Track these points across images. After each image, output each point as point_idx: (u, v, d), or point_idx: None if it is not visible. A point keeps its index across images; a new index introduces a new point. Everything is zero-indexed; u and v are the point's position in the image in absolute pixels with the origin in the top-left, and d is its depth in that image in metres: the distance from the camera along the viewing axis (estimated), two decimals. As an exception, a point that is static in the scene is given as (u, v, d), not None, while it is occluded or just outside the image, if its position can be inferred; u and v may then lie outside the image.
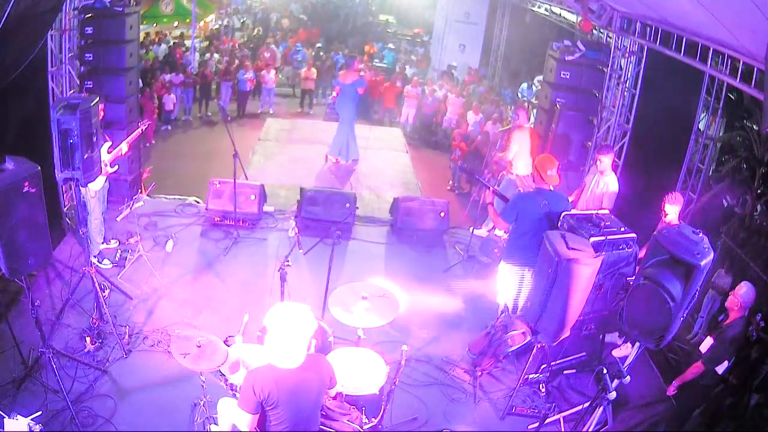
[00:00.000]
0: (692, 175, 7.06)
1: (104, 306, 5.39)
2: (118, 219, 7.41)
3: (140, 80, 9.51)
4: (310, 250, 5.54)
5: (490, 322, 5.62)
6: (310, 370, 3.17)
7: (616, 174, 6.39)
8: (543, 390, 5.33)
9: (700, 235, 3.65)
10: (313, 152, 10.43)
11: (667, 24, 6.65)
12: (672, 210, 5.43)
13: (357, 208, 7.74)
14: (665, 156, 7.46)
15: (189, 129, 13.12)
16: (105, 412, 4.60)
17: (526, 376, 5.12)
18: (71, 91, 7.28)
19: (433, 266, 7.32)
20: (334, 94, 10.17)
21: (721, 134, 7.99)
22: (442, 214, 7.91)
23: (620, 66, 8.02)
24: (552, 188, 5.48)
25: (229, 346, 4.00)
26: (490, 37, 16.79)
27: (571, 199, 6.22)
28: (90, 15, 7.22)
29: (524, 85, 14.58)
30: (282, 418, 3.11)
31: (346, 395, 3.94)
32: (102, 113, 5.20)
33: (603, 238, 4.78)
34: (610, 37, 8.23)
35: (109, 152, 6.15)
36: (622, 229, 5.02)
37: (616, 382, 4.21)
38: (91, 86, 7.33)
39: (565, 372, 5.56)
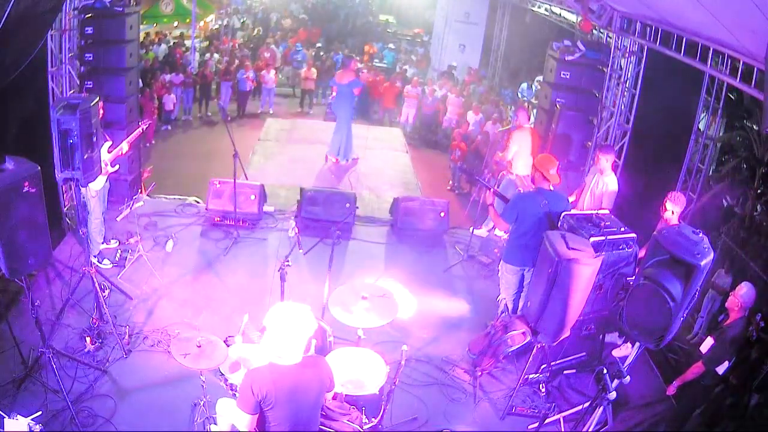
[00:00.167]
0: (692, 175, 7.06)
1: (104, 306, 5.39)
2: (118, 219, 7.41)
3: (140, 80, 9.51)
4: (310, 250, 5.54)
5: (490, 322, 5.62)
6: (309, 371, 3.17)
7: (616, 174, 6.39)
8: (543, 390, 5.33)
9: (700, 235, 3.65)
10: (313, 152, 10.43)
11: (667, 24, 6.65)
12: (673, 209, 5.40)
13: (357, 208, 7.74)
14: (665, 156, 7.46)
15: (189, 129, 13.12)
16: (105, 412, 4.60)
17: (526, 376, 5.12)
18: (71, 91, 7.28)
19: (433, 266, 7.32)
20: (334, 94, 10.17)
21: (721, 134, 8.00)
22: (442, 214, 7.91)
23: (620, 66, 8.02)
24: (552, 188, 5.48)
25: (229, 346, 4.01)
26: (490, 37, 16.80)
27: (571, 199, 6.22)
28: (90, 15, 7.22)
29: (524, 85, 14.59)
30: (281, 419, 3.11)
31: (346, 395, 3.94)
32: (101, 111, 5.20)
33: (603, 238, 4.77)
34: (610, 37, 8.23)
35: (109, 152, 6.15)
36: (622, 229, 5.02)
37: (616, 382, 4.21)
38: (91, 86, 7.33)
39: (565, 372, 5.56)
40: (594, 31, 8.91)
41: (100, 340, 5.27)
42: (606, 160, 6.13)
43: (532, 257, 5.09)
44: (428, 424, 4.92)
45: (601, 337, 5.60)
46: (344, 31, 21.05)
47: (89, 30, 7.23)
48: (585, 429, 4.52)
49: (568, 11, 10.56)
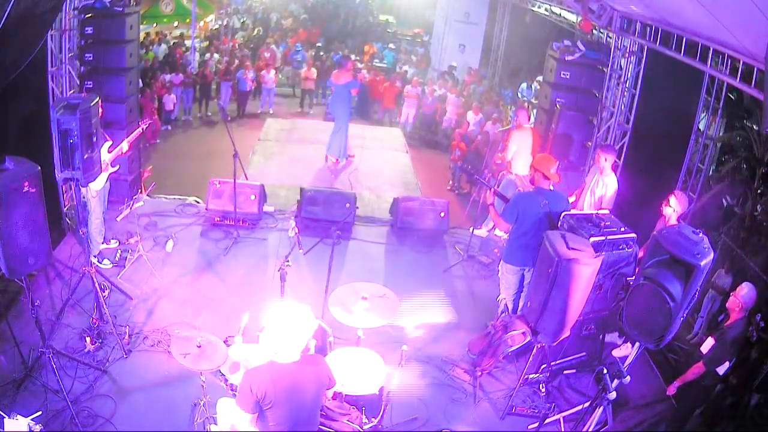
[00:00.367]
0: (692, 175, 7.06)
1: (104, 306, 5.39)
2: (118, 219, 7.41)
3: (140, 80, 9.51)
4: (310, 250, 5.54)
5: (490, 322, 5.62)
6: (307, 369, 3.17)
7: (616, 174, 6.39)
8: (543, 390, 5.33)
9: (700, 235, 3.65)
10: (312, 152, 10.42)
11: (667, 24, 6.65)
12: (675, 207, 5.38)
13: (357, 208, 7.74)
14: (665, 156, 7.46)
15: (189, 129, 13.13)
16: (105, 412, 4.60)
17: (526, 376, 5.12)
18: (71, 91, 7.28)
19: (433, 266, 7.32)
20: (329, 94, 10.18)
21: (721, 134, 7.99)
22: (442, 214, 7.91)
23: (620, 66, 8.01)
24: (552, 188, 5.48)
25: (229, 346, 4.01)
26: (490, 37, 16.79)
27: (571, 199, 6.22)
28: (90, 15, 7.22)
29: (524, 85, 14.58)
30: (280, 418, 3.11)
31: (346, 395, 3.94)
32: (101, 110, 5.21)
33: (603, 238, 4.78)
34: (610, 37, 8.23)
35: (109, 152, 6.15)
36: (622, 229, 5.02)
37: (616, 382, 4.21)
38: (91, 86, 7.32)
39: (565, 372, 5.56)
40: (594, 31, 8.91)
41: (100, 340, 5.27)
42: (605, 160, 6.13)
43: (532, 257, 5.09)
44: (428, 424, 4.92)
45: (601, 337, 5.60)
46: (344, 31, 21.05)
47: (89, 30, 7.23)
48: (585, 429, 4.51)
49: (568, 11, 10.56)
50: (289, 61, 16.64)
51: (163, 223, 7.54)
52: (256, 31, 19.72)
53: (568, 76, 8.16)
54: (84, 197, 5.82)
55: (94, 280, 5.28)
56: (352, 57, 15.53)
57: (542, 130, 8.42)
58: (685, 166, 7.17)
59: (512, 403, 5.09)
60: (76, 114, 4.49)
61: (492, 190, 5.94)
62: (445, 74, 15.80)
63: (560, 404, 5.26)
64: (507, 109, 13.11)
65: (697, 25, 6.00)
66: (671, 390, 5.05)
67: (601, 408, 4.36)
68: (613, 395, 4.18)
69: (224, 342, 4.00)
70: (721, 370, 4.71)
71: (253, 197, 7.60)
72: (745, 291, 4.72)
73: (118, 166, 6.49)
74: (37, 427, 3.69)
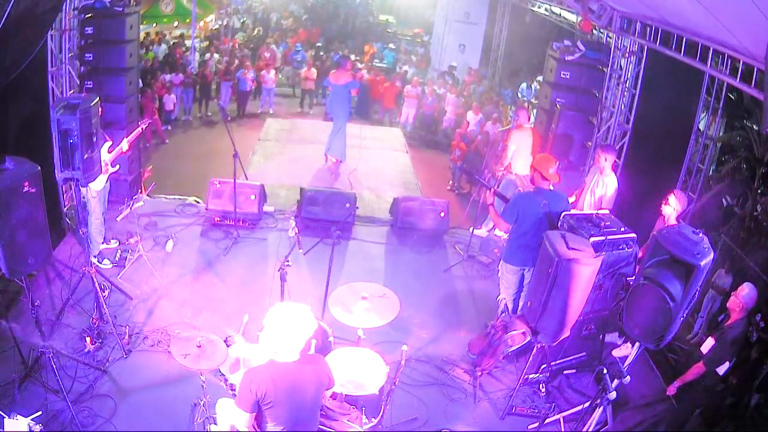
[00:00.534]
0: (692, 175, 7.06)
1: (104, 306, 5.39)
2: (118, 219, 7.41)
3: (140, 80, 9.51)
4: (310, 250, 5.54)
5: (490, 322, 5.62)
6: (307, 369, 3.17)
7: (616, 174, 6.39)
8: (543, 390, 5.33)
9: (700, 235, 3.65)
10: (312, 152, 10.43)
11: (667, 24, 6.65)
12: (675, 206, 5.38)
13: (357, 208, 7.75)
14: (665, 156, 7.46)
15: (189, 129, 13.13)
16: (105, 412, 4.60)
17: (526, 376, 5.12)
18: (71, 91, 7.28)
19: (433, 266, 7.32)
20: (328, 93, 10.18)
21: (721, 134, 8.00)
22: (442, 214, 7.91)
23: (620, 66, 8.01)
24: (552, 188, 5.48)
25: (229, 346, 4.01)
26: (490, 37, 16.80)
27: (571, 199, 6.22)
28: (90, 15, 7.22)
29: (524, 85, 14.59)
30: (280, 418, 3.11)
31: (346, 395, 3.94)
32: (101, 110, 5.22)
33: (603, 238, 4.77)
34: (610, 37, 8.23)
35: (109, 152, 6.15)
36: (622, 229, 5.02)
37: (616, 382, 4.22)
38: (91, 86, 7.32)
39: (565, 372, 5.56)
40: (594, 31, 8.91)
41: (100, 340, 5.27)
42: (605, 160, 6.13)
43: (532, 257, 5.10)
44: (428, 424, 4.91)
45: (601, 337, 5.60)
46: (344, 31, 21.05)
47: (89, 30, 7.23)
48: (585, 429, 4.52)
49: (568, 11, 10.56)
50: (289, 61, 16.64)
51: (163, 223, 7.54)
52: (256, 31, 19.72)
53: (568, 76, 8.17)
54: (84, 197, 5.82)
55: (94, 280, 5.27)
56: (352, 57, 15.54)
57: (542, 130, 8.42)
58: (685, 166, 7.18)
59: (512, 403, 5.09)
60: (76, 114, 4.49)
61: (492, 190, 5.94)
62: (445, 74, 15.81)
63: (560, 404, 5.26)
64: (507, 109, 13.11)
65: (697, 25, 6.00)
66: (671, 390, 5.05)
67: (601, 408, 4.37)
68: (613, 395, 4.18)
69: (224, 342, 4.00)
70: (721, 370, 4.71)
71: (253, 197, 7.60)
72: (746, 291, 4.72)
73: (118, 167, 6.49)
74: (37, 427, 3.69)
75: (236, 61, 14.29)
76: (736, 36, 5.33)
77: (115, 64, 7.48)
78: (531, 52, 14.51)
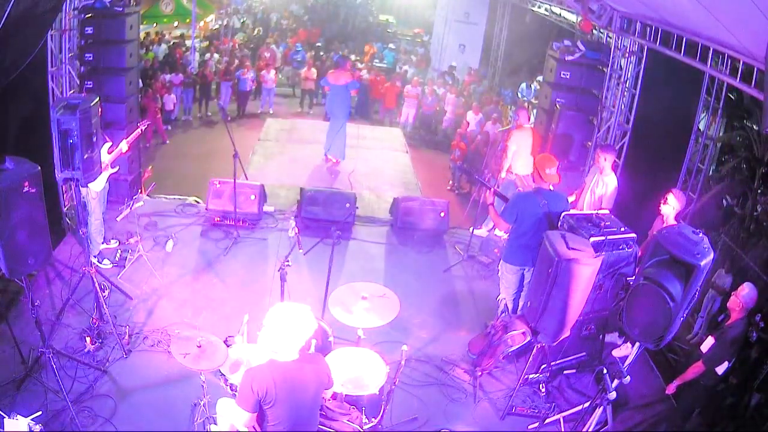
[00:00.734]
0: (692, 175, 7.06)
1: (104, 306, 5.39)
2: (118, 219, 7.41)
3: (140, 80, 9.51)
4: (310, 250, 5.54)
5: (490, 322, 5.62)
6: (307, 368, 3.17)
7: (616, 174, 6.39)
8: (543, 390, 5.33)
9: (700, 235, 3.65)
10: (312, 152, 10.43)
11: (667, 24, 6.65)
12: (674, 204, 5.38)
13: (357, 208, 7.75)
14: (665, 156, 7.46)
15: (189, 129, 13.14)
16: (105, 412, 4.60)
17: (526, 376, 5.12)
18: (71, 91, 7.28)
19: (433, 266, 7.32)
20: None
21: (721, 134, 7.99)
22: (442, 214, 7.91)
23: (620, 66, 8.01)
24: (552, 188, 5.48)
25: (229, 346, 4.01)
26: (490, 37, 16.81)
27: (571, 199, 6.22)
28: (90, 15, 7.22)
29: (524, 85, 14.59)
30: (280, 418, 3.11)
31: (346, 395, 3.94)
32: (100, 109, 5.22)
33: (603, 238, 4.77)
34: (610, 37, 8.23)
35: (109, 152, 6.15)
36: (622, 229, 5.02)
37: (616, 382, 4.22)
38: (91, 86, 7.32)
39: (565, 372, 5.56)
40: (594, 31, 8.91)
41: (100, 340, 5.27)
42: (605, 160, 6.13)
43: (532, 257, 5.10)
44: (428, 424, 4.91)
45: (601, 337, 5.60)
46: (344, 31, 21.05)
47: (89, 30, 7.23)
48: (585, 429, 4.52)
49: (568, 11, 10.56)
50: (289, 61, 16.65)
51: (163, 223, 7.54)
52: (256, 31, 19.73)
53: (568, 76, 8.17)
54: (84, 197, 5.82)
55: (94, 280, 5.27)
56: (352, 57, 15.54)
57: (542, 130, 8.42)
58: (685, 166, 7.18)
59: (512, 403, 5.09)
60: (76, 114, 4.49)
61: (492, 190, 5.94)
62: (445, 74, 15.81)
63: (560, 404, 5.26)
64: (507, 109, 13.12)
65: (697, 25, 6.00)
66: (670, 389, 5.05)
67: (601, 408, 4.37)
68: (613, 395, 4.18)
69: (224, 342, 4.00)
70: (720, 369, 4.71)
71: (253, 197, 7.60)
72: (746, 291, 4.72)
73: (117, 167, 6.49)
74: (37, 427, 3.69)
75: (236, 61, 14.29)
76: (736, 36, 5.33)
77: (115, 64, 7.48)
78: (531, 52, 14.52)
